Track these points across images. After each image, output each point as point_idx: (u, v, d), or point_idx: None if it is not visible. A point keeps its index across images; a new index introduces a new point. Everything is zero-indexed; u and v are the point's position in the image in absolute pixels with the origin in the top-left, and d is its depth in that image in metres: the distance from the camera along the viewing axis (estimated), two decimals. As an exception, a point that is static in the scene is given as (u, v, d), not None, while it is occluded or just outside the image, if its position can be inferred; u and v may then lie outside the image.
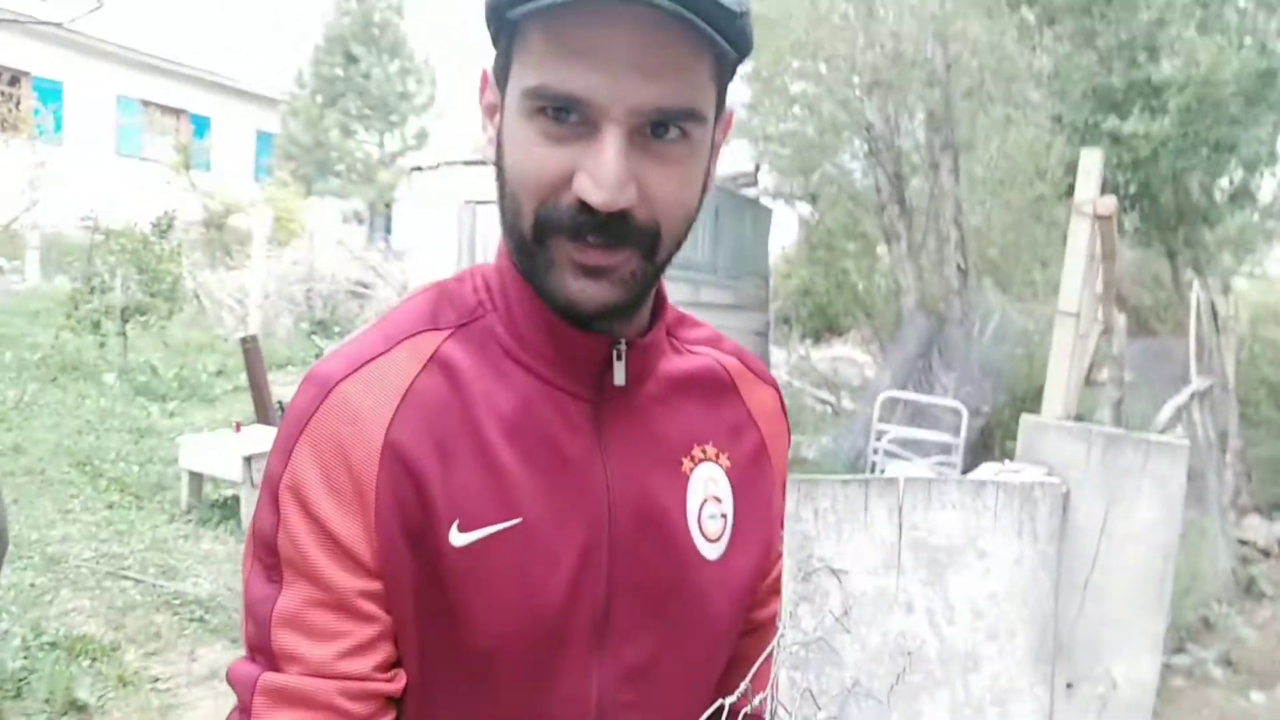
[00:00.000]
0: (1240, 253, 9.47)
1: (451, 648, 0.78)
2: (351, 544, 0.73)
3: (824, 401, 12.26)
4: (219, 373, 9.72)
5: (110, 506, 5.56)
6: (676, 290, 7.18)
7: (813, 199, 9.73)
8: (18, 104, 14.65)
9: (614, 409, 0.82)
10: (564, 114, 0.69)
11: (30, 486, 5.75)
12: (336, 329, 11.86)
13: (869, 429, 7.65)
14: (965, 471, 7.46)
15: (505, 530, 0.77)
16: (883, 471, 7.30)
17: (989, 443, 8.38)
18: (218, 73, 19.49)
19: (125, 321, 8.98)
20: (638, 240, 0.73)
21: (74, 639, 3.91)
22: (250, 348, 6.02)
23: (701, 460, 0.87)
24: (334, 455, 0.74)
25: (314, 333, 11.64)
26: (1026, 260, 8.75)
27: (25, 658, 3.72)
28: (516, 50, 0.71)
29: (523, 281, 0.79)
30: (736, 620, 0.93)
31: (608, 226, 0.72)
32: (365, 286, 13.07)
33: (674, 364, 0.88)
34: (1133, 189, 8.16)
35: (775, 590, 0.97)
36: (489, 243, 7.37)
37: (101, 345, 8.97)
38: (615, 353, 0.81)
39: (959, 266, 7.95)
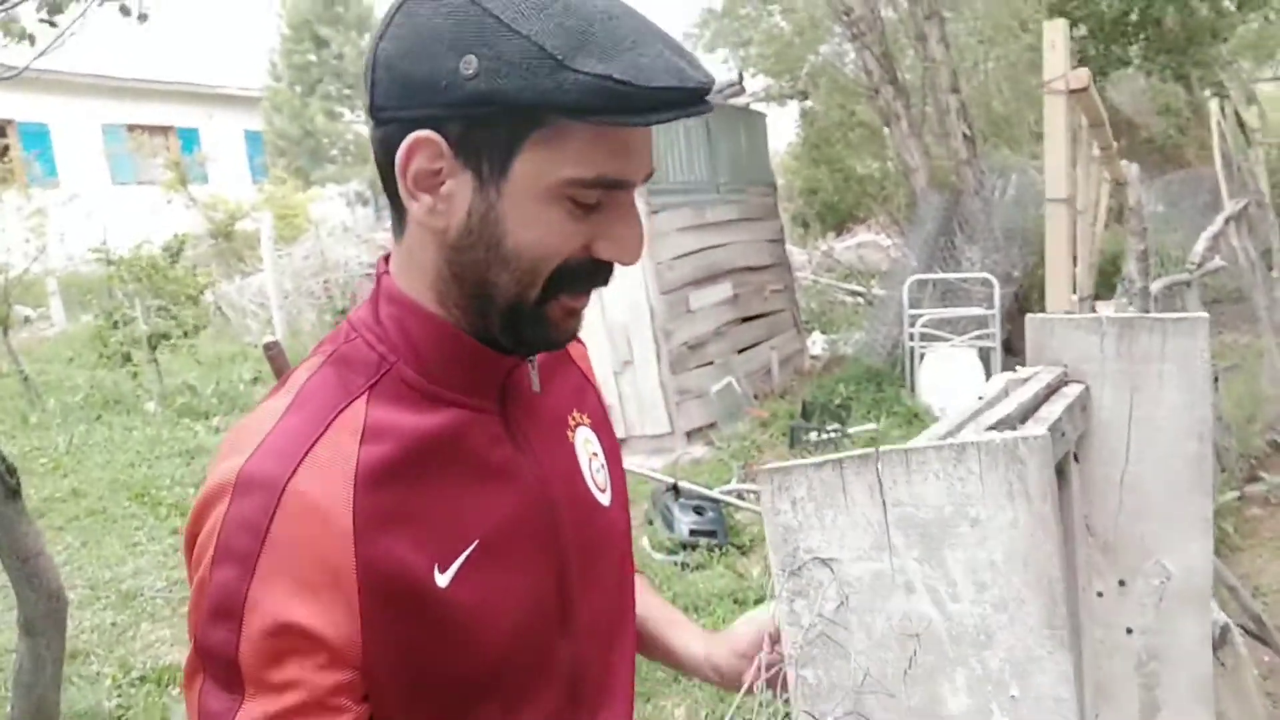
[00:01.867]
0: (1260, 57, 9.05)
1: (458, 683, 0.81)
2: (332, 638, 0.74)
3: (855, 293, 12.12)
4: (255, 380, 9.83)
5: (174, 533, 5.67)
6: (682, 216, 7.07)
7: (803, 95, 9.47)
8: (5, 151, 14.70)
9: (515, 413, 0.88)
10: (594, 193, 0.76)
11: (95, 527, 5.88)
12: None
13: (902, 316, 7.54)
14: (1006, 343, 7.34)
15: (470, 556, 0.81)
16: (923, 357, 7.21)
17: (1026, 307, 8.23)
18: (195, 82, 19.35)
19: (154, 348, 9.07)
20: (610, 278, 0.84)
21: (161, 669, 4.02)
22: (273, 353, 6.04)
23: (577, 426, 0.96)
24: (306, 557, 0.74)
25: (339, 321, 11.69)
26: (1033, 115, 8.47)
27: (119, 695, 3.84)
28: (537, 142, 0.74)
29: (435, 320, 0.82)
30: (630, 545, 1.03)
31: (609, 277, 0.82)
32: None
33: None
34: (1134, 17, 7.81)
35: None
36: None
37: (135, 376, 9.09)
38: (530, 362, 0.88)
39: (964, 135, 7.71)
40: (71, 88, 16.39)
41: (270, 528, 0.73)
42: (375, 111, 0.77)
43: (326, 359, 0.83)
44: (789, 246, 11.36)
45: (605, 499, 0.96)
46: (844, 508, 0.89)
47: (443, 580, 0.79)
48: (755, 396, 7.53)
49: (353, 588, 0.74)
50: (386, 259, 0.85)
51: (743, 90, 8.52)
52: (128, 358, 8.90)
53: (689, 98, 0.72)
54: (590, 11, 0.71)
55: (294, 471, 0.75)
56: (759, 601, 4.37)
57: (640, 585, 1.11)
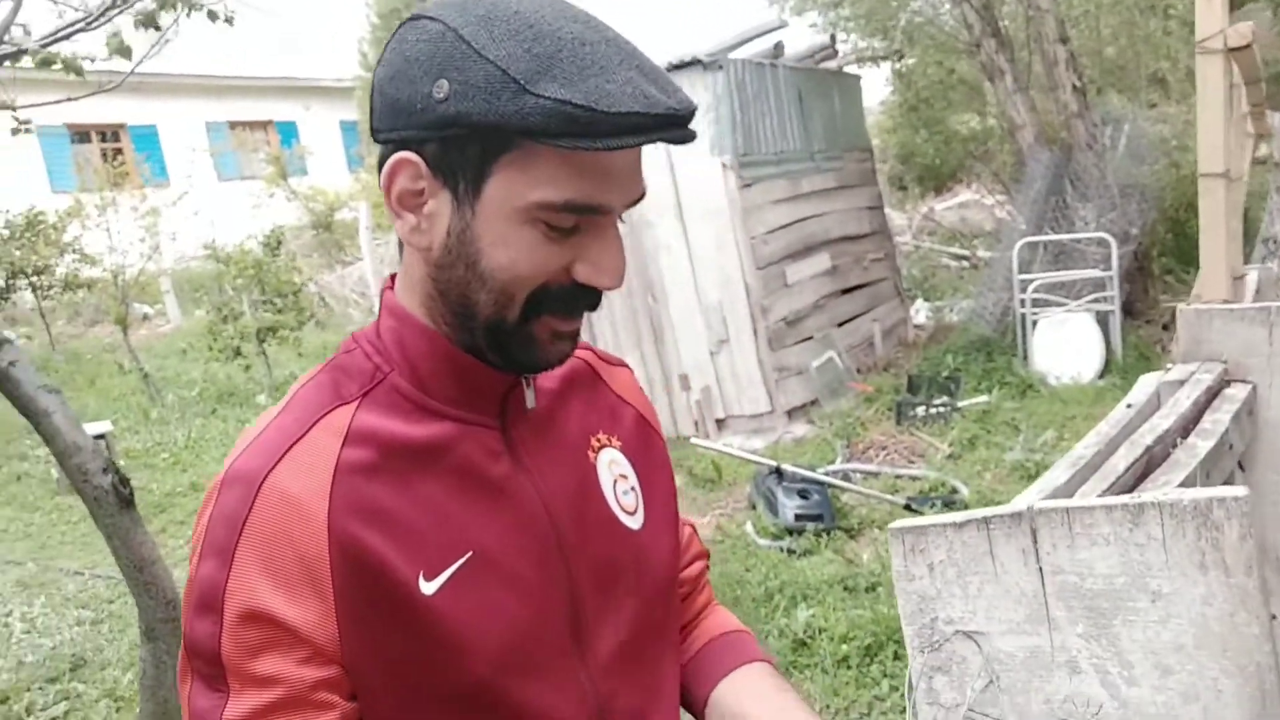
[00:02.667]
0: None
1: (447, 693, 0.81)
2: (310, 633, 0.75)
3: (959, 257, 11.68)
4: (359, 369, 10.02)
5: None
6: (777, 187, 6.88)
7: (898, 55, 9.10)
8: (118, 154, 15.34)
9: (520, 430, 0.88)
10: (568, 217, 0.76)
11: (213, 521, 6.07)
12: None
13: (1011, 281, 7.20)
14: (1126, 306, 6.93)
15: (463, 566, 0.81)
16: (1035, 323, 6.87)
17: (1145, 267, 7.77)
18: (291, 76, 19.83)
19: (262, 341, 9.34)
20: (598, 302, 0.83)
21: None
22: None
23: (600, 448, 0.95)
24: (282, 548, 0.75)
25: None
26: (1148, 60, 7.92)
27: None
28: (508, 165, 0.75)
29: (431, 335, 0.84)
30: (673, 579, 1.00)
31: (595, 301, 0.82)
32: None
33: (549, 374, 0.92)
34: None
35: (685, 549, 1.08)
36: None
37: (247, 369, 9.39)
38: (525, 381, 0.88)
39: (1074, 87, 7.26)
40: (176, 89, 16.98)
41: (248, 519, 0.76)
42: (374, 133, 0.80)
43: (324, 367, 0.87)
44: (887, 211, 11.00)
45: (633, 522, 0.94)
46: (992, 575, 0.77)
47: (428, 588, 0.79)
48: (858, 371, 7.31)
49: (327, 583, 0.76)
50: (393, 277, 0.89)
51: (834, 53, 8.22)
52: (238, 351, 9.19)
53: (657, 123, 0.72)
54: (562, 38, 0.72)
55: (274, 466, 0.77)
56: (870, 589, 4.24)
57: (760, 679, 1.00)
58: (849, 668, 3.56)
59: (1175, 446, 1.05)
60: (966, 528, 0.75)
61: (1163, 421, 1.07)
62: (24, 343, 12.88)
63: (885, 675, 3.43)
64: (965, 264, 11.24)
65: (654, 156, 6.68)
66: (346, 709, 0.77)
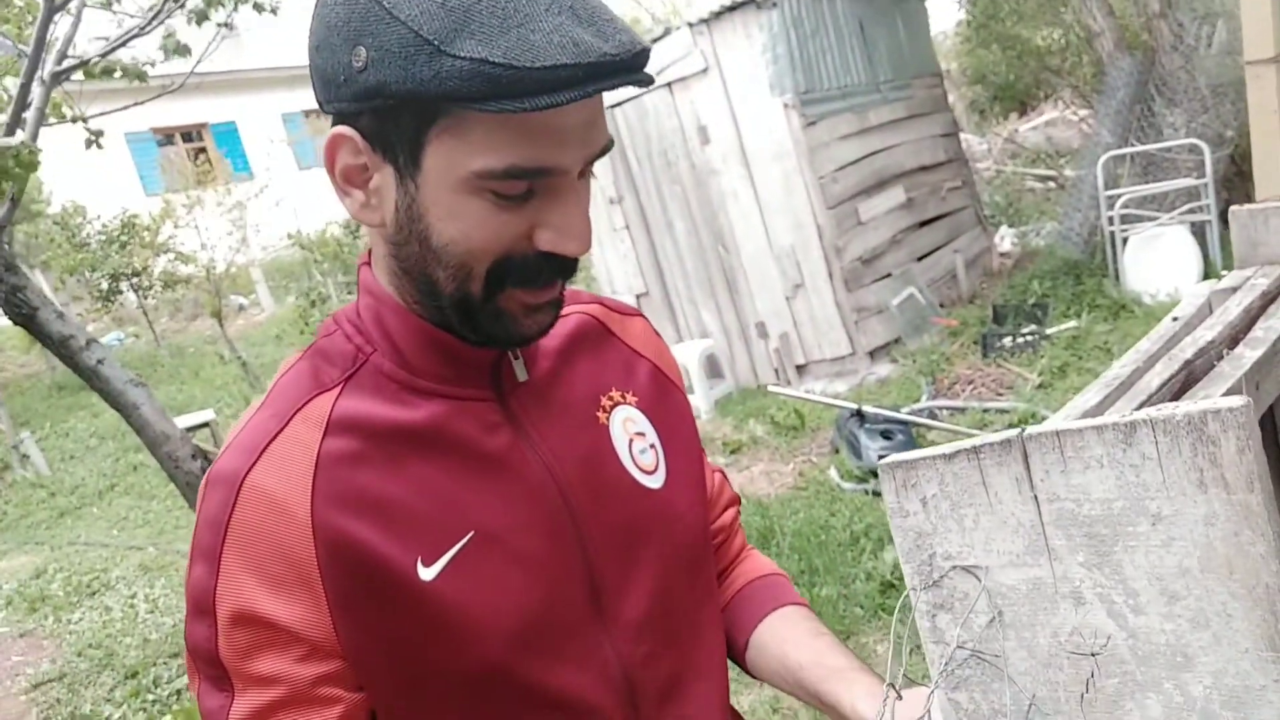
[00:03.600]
0: None
1: (459, 677, 0.79)
2: (303, 630, 0.74)
3: (1045, 178, 11.22)
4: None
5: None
6: (843, 123, 6.70)
7: (962, -28, 8.70)
8: (201, 153, 15.83)
9: (520, 398, 0.84)
10: (515, 183, 0.70)
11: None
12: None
13: (1098, 198, 6.88)
14: (1224, 215, 6.61)
15: (465, 547, 0.78)
16: (1125, 241, 6.56)
17: (1245, 170, 7.32)
18: (358, 59, 20.06)
19: (350, 323, 9.60)
20: (573, 269, 0.78)
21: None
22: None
23: (614, 406, 0.90)
24: (266, 548, 0.74)
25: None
26: (1238, -52, 7.41)
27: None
28: (442, 132, 0.69)
29: (406, 313, 0.80)
30: (702, 532, 0.95)
31: (566, 268, 0.77)
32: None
33: (551, 334, 0.87)
34: None
35: (717, 498, 1.05)
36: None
37: (338, 350, 9.66)
38: (511, 353, 0.83)
39: (1155, -15, 6.84)
40: (251, 84, 17.42)
41: (230, 521, 0.74)
42: (319, 107, 0.75)
43: (305, 353, 0.83)
44: (965, 137, 10.60)
45: (653, 481, 0.90)
46: (986, 506, 0.74)
47: (428, 574, 0.76)
48: (941, 305, 7.12)
49: (316, 578, 0.74)
50: (370, 252, 0.84)
51: (895, -23, 7.90)
52: (328, 334, 9.47)
53: (590, 73, 0.65)
54: None
55: (252, 465, 0.75)
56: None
57: (797, 622, 0.98)
58: (939, 606, 3.51)
59: (1220, 359, 0.99)
60: (957, 459, 0.72)
61: (1207, 332, 1.01)
62: (132, 341, 13.53)
63: (977, 612, 3.37)
64: (1052, 185, 10.78)
65: (714, 101, 6.58)
66: (352, 701, 0.76)
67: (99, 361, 2.85)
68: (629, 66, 0.67)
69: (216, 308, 10.44)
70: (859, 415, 5.02)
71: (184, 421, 8.19)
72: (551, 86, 0.64)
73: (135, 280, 11.76)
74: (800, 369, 6.78)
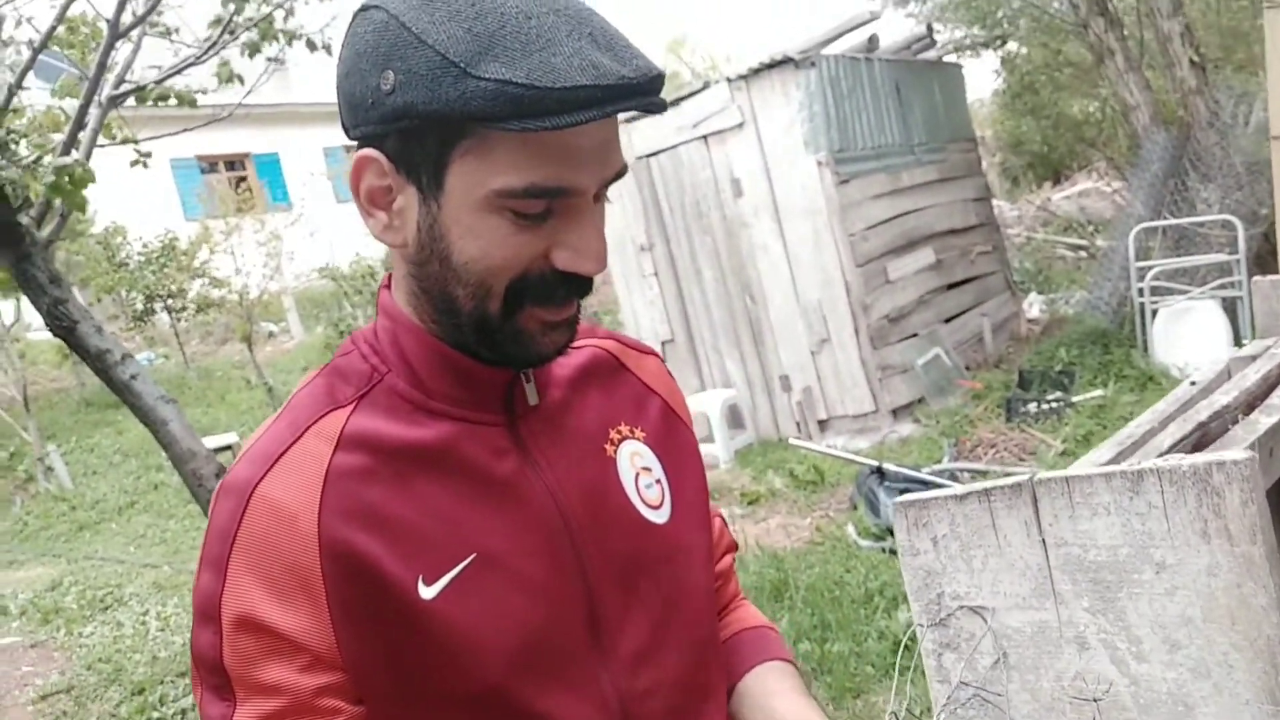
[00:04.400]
0: None
1: (457, 697, 0.79)
2: (306, 640, 0.75)
3: (1076, 247, 11.21)
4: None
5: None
6: (875, 183, 6.76)
7: (1000, 41, 8.79)
8: (241, 182, 16.15)
9: (529, 424, 0.85)
10: (534, 202, 0.73)
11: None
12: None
13: (1129, 269, 6.87)
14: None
15: (466, 569, 0.79)
16: (1154, 315, 6.54)
17: (1277, 248, 7.29)
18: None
19: (377, 355, 9.67)
20: (588, 289, 0.80)
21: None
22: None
23: (621, 439, 0.91)
24: (271, 558, 0.75)
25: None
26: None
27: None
28: (465, 153, 0.72)
29: (422, 334, 0.82)
30: (706, 569, 0.96)
31: (582, 287, 0.79)
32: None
33: (564, 364, 0.91)
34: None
35: (718, 542, 1.05)
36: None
37: (363, 381, 9.73)
38: (524, 375, 0.85)
39: (1191, 62, 6.89)
40: (296, 118, 17.81)
41: (238, 530, 0.75)
42: (346, 133, 0.79)
43: (322, 371, 0.86)
44: (997, 203, 10.63)
45: (658, 516, 0.91)
46: (995, 548, 0.75)
47: (428, 593, 0.77)
48: (966, 368, 7.10)
49: (320, 591, 0.75)
50: (390, 276, 0.87)
51: (932, 43, 8.01)
52: (355, 364, 9.55)
53: (609, 94, 0.68)
54: (505, 13, 0.69)
55: (263, 476, 0.77)
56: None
57: (783, 677, 0.99)
58: (952, 670, 3.46)
59: (1235, 423, 1.00)
60: (968, 500, 0.73)
61: (1223, 397, 1.02)
62: (161, 362, 13.71)
63: (990, 678, 3.32)
64: (1083, 254, 10.78)
65: (749, 156, 6.67)
66: (352, 714, 0.76)
67: (132, 377, 2.91)
68: (645, 90, 0.70)
69: (247, 332, 10.58)
70: (879, 473, 4.99)
71: (208, 443, 8.27)
72: (572, 106, 0.67)
73: (170, 302, 11.95)
74: (822, 424, 6.77)
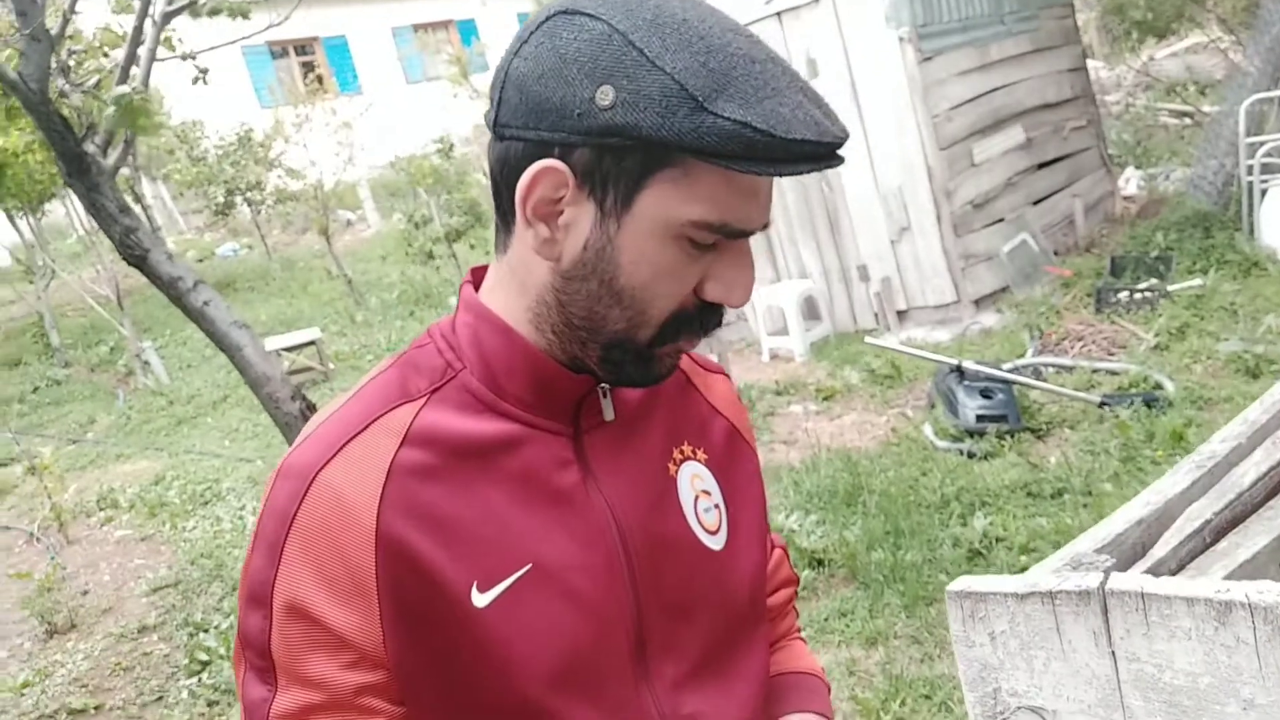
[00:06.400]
0: None
1: (496, 708, 0.78)
2: (353, 636, 0.74)
3: (1180, 114, 10.49)
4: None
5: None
6: (961, 58, 6.36)
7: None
8: (310, 69, 16.07)
9: (593, 438, 0.83)
10: (711, 235, 0.73)
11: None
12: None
13: (1237, 144, 6.40)
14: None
15: (521, 579, 0.78)
16: (1264, 193, 6.11)
17: None
18: (468, -29, 19.96)
19: (451, 244, 9.70)
20: (721, 321, 0.81)
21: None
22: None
23: (683, 460, 0.90)
24: (328, 548, 0.74)
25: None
26: None
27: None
28: (665, 179, 0.71)
29: (511, 334, 0.80)
30: (758, 599, 0.94)
31: (720, 320, 0.80)
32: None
33: None
34: None
35: (773, 574, 1.03)
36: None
37: (438, 270, 9.83)
38: (600, 390, 0.83)
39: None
40: (360, -3, 17.51)
41: (297, 515, 0.74)
42: (498, 128, 0.75)
43: (396, 360, 0.84)
44: (1092, 65, 9.94)
45: (714, 542, 0.88)
46: (1059, 652, 0.69)
47: (481, 600, 0.76)
48: (1055, 253, 6.80)
49: (372, 588, 0.74)
50: (476, 270, 0.86)
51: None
52: (430, 255, 9.61)
53: (825, 151, 0.70)
54: (734, 54, 0.69)
55: (327, 462, 0.76)
56: (1056, 496, 4.02)
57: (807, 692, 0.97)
58: (1028, 581, 3.42)
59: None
60: (1029, 600, 0.67)
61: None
62: (245, 253, 14.03)
63: (1067, 590, 3.28)
64: (1187, 122, 10.09)
65: (825, 33, 6.32)
66: (392, 715, 0.76)
67: (205, 303, 2.95)
68: (840, 147, 0.72)
69: (324, 224, 10.70)
70: (958, 371, 4.87)
71: (291, 339, 8.50)
72: (796, 158, 0.68)
73: (248, 194, 12.12)
74: (901, 315, 6.60)
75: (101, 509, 6.30)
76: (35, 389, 9.61)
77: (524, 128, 0.72)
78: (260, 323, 10.01)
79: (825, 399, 5.66)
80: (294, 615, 0.74)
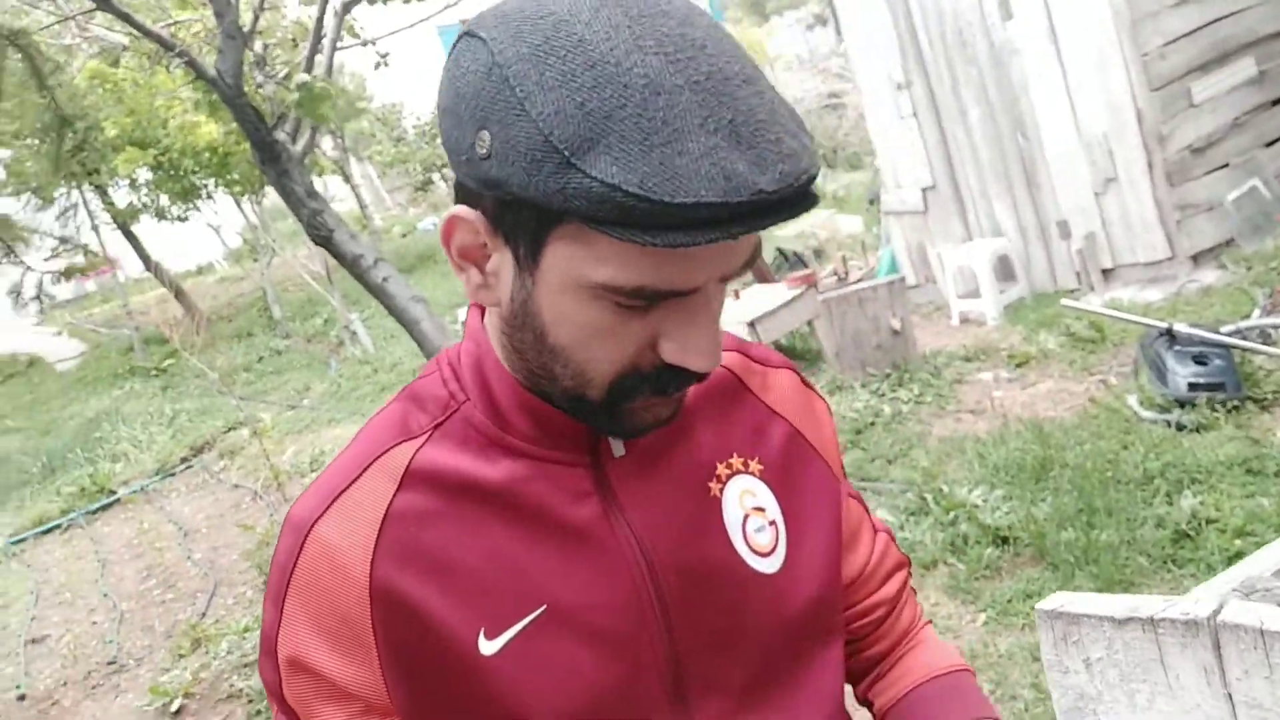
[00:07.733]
0: None
1: None
2: (356, 689, 0.72)
3: None
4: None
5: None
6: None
7: None
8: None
9: (619, 465, 0.76)
10: (625, 300, 0.64)
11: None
12: (819, 148, 11.70)
13: None
14: None
15: (534, 622, 0.73)
16: None
17: None
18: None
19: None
20: (706, 376, 0.71)
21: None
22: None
23: (730, 476, 0.81)
24: (323, 604, 0.72)
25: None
26: None
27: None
28: (563, 236, 0.62)
29: (504, 374, 0.74)
30: (826, 616, 0.84)
31: (698, 375, 0.69)
32: (836, 96, 12.66)
33: None
34: None
35: (877, 568, 0.92)
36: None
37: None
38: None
39: None
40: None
41: (294, 570, 0.73)
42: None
43: (401, 394, 0.80)
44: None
45: (767, 565, 0.80)
46: (1165, 687, 0.59)
47: (489, 648, 0.72)
48: (1290, 199, 6.07)
49: (370, 640, 0.72)
50: None
51: None
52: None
53: (737, 214, 0.56)
54: (629, 86, 0.56)
55: (321, 515, 0.74)
56: (1280, 473, 3.60)
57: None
58: (1243, 567, 3.10)
59: None
60: (1129, 626, 0.58)
61: None
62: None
63: (1291, 578, 2.94)
64: None
65: (1019, -27, 5.88)
66: None
67: (385, 279, 3.11)
68: (787, 203, 0.58)
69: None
70: (1169, 335, 4.44)
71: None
72: (690, 225, 0.56)
73: (444, 172, 12.70)
74: (1106, 274, 6.11)
75: (313, 470, 6.82)
76: (260, 359, 10.53)
77: (450, 163, 0.66)
78: (459, 293, 10.49)
79: (1018, 365, 5.32)
80: (297, 669, 0.73)
